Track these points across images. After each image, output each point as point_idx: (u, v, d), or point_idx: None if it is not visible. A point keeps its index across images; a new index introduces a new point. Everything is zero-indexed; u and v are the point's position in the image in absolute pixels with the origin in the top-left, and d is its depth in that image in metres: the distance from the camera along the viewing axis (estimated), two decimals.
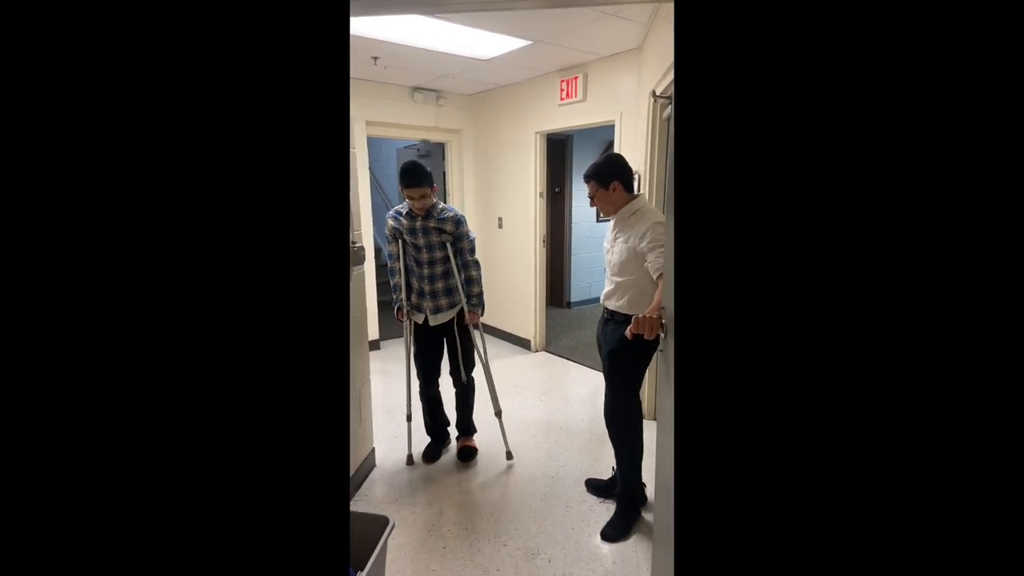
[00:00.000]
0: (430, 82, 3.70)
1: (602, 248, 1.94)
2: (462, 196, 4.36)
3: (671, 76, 1.95)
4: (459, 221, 2.21)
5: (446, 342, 2.34)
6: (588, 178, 1.80)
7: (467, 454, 2.39)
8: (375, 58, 3.00)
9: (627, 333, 1.48)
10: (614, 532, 1.82)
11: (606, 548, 1.78)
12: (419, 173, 2.10)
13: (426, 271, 2.23)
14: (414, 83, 3.72)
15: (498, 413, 2.36)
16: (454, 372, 2.37)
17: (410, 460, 2.35)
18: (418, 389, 2.40)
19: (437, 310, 2.26)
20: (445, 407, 2.47)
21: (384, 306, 2.72)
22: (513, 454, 2.35)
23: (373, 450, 2.33)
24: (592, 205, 1.85)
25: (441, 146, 4.26)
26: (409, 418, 2.35)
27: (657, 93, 2.29)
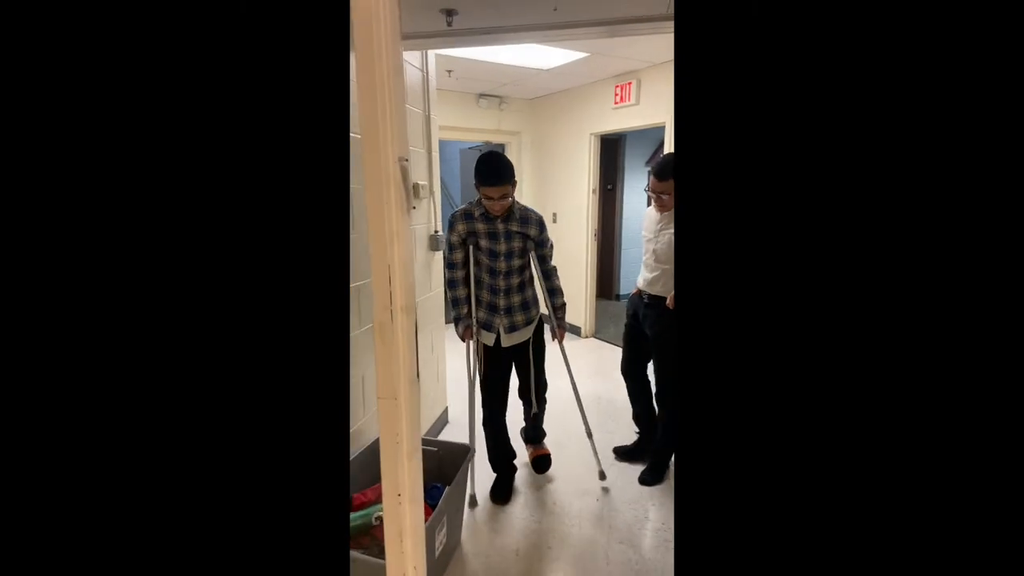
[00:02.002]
0: (494, 89, 4.07)
1: None
2: (520, 193, 4.70)
3: None
4: (542, 224, 1.90)
5: (516, 364, 2.01)
6: (669, 175, 1.78)
7: (543, 463, 2.17)
8: (449, 71, 3.39)
9: (668, 303, 1.79)
10: (650, 478, 2.15)
11: (646, 492, 2.09)
12: (500, 167, 1.71)
13: (502, 283, 1.86)
14: (480, 90, 4.11)
15: (589, 435, 2.16)
16: (524, 395, 2.05)
17: (473, 502, 1.96)
18: (481, 418, 2.03)
19: (513, 328, 1.91)
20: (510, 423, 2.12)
21: None
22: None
23: (447, 408, 2.74)
24: (658, 200, 1.87)
25: (502, 147, 4.63)
26: (472, 452, 1.92)
27: None
